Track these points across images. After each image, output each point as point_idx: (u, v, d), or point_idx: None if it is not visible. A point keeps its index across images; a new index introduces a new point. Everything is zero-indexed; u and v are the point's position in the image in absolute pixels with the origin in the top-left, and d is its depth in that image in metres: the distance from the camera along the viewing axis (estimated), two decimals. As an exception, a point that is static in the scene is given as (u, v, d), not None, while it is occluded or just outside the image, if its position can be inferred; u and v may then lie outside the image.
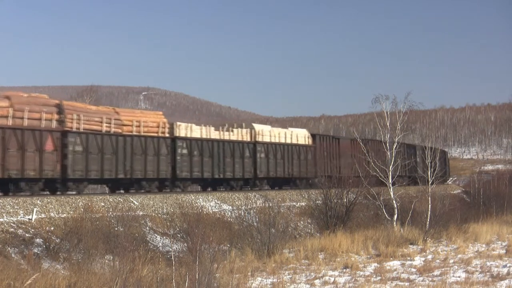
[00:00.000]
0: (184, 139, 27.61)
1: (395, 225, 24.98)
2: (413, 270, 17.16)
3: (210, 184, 29.99)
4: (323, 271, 16.77)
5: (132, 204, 21.79)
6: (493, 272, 16.44)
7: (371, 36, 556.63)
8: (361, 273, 16.66)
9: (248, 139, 31.45)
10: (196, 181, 29.97)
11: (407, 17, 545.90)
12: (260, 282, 14.78)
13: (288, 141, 34.08)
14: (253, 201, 26.85)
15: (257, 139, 31.84)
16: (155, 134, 26.25)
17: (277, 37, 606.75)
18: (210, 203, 24.89)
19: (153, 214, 21.58)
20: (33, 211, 17.98)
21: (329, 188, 25.10)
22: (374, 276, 16.17)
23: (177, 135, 27.33)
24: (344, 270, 17.19)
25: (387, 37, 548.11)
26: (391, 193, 26.01)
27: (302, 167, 34.28)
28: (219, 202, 25.40)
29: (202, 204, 24.30)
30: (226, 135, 30.21)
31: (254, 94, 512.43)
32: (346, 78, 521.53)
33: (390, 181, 26.17)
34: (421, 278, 15.77)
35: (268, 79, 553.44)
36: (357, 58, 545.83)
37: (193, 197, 24.85)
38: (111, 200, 21.45)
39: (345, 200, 25.15)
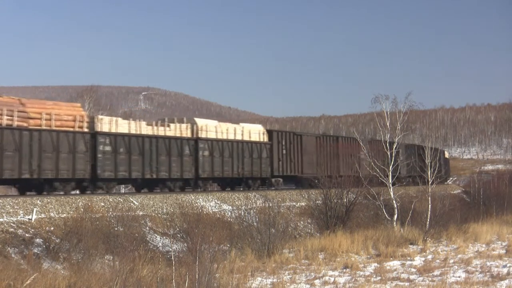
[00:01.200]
0: (107, 134, 24.75)
1: (395, 225, 24.99)
2: (413, 270, 17.16)
3: (143, 185, 27.27)
4: (323, 271, 16.78)
5: (132, 204, 21.80)
6: (493, 272, 16.44)
7: (371, 36, 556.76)
8: (361, 273, 16.66)
9: (189, 135, 28.29)
10: (124, 181, 27.88)
11: (407, 17, 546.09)
12: (260, 282, 14.77)
13: (239, 137, 30.92)
14: (253, 201, 26.87)
15: (199, 135, 28.64)
16: (71, 129, 23.44)
17: (277, 37, 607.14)
18: (210, 203, 24.90)
19: (153, 214, 21.59)
20: (33, 211, 17.99)
21: (329, 188, 25.09)
22: (374, 276, 16.17)
23: (99, 130, 24.52)
24: (344, 270, 17.19)
25: (387, 37, 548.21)
26: (391, 193, 26.02)
27: (255, 166, 31.21)
28: (219, 202, 25.41)
29: (202, 204, 24.31)
30: (161, 131, 27.14)
31: (254, 94, 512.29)
32: (346, 78, 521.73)
33: (390, 181, 26.18)
34: (421, 278, 15.77)
35: (268, 79, 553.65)
36: (357, 58, 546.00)
37: (193, 197, 24.86)
38: (111, 200, 21.47)
39: (345, 200, 25.15)
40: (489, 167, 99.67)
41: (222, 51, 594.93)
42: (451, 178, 63.97)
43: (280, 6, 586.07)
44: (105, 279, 11.72)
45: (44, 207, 18.96)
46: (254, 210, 24.69)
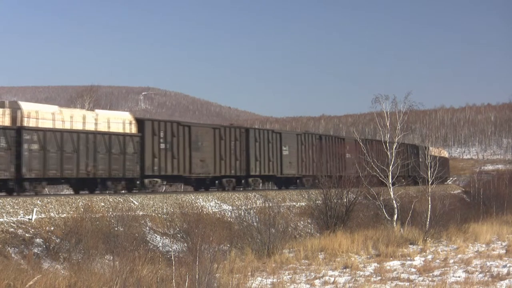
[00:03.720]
0: None
1: (395, 225, 24.99)
2: (413, 270, 17.16)
3: None
4: (323, 271, 16.77)
5: (132, 204, 21.80)
6: (493, 272, 16.45)
7: (371, 36, 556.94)
8: (361, 273, 16.66)
9: (7, 123, 21.58)
10: None
11: (407, 17, 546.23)
12: (260, 282, 14.77)
13: (91, 127, 24.16)
14: (253, 201, 26.87)
15: (24, 124, 21.98)
16: None
17: (277, 37, 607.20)
18: (210, 203, 24.91)
19: (153, 214, 21.60)
20: (33, 211, 17.99)
21: (328, 188, 25.09)
22: (374, 276, 16.17)
23: None
24: (344, 270, 17.19)
25: (387, 37, 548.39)
26: (391, 193, 26.02)
27: (116, 163, 24.36)
28: (219, 202, 25.42)
29: (202, 204, 24.32)
30: None
31: (254, 94, 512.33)
32: (346, 78, 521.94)
33: (391, 181, 26.18)
34: (421, 278, 15.77)
35: (268, 79, 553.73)
36: (357, 58, 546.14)
37: (193, 197, 24.87)
38: (111, 200, 21.47)
39: (345, 200, 25.15)
40: (489, 167, 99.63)
41: (222, 51, 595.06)
42: (451, 178, 63.99)
43: (280, 6, 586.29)
44: (105, 279, 11.72)
45: (44, 207, 18.97)
46: (254, 210, 24.71)
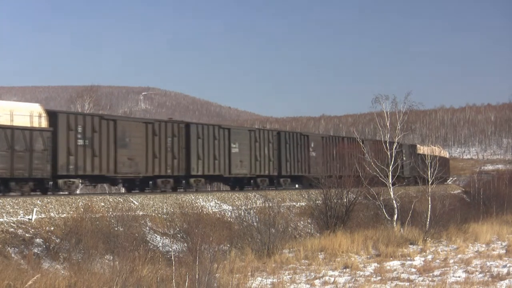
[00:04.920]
0: None
1: (395, 225, 25.00)
2: (413, 270, 17.16)
3: None
4: (323, 271, 16.78)
5: (132, 204, 21.81)
6: (493, 272, 16.45)
7: (371, 36, 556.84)
8: (361, 273, 16.67)
9: None
10: None
11: (407, 17, 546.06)
12: (260, 282, 14.78)
13: None
14: (253, 201, 26.87)
15: None
16: None
17: (277, 37, 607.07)
18: (210, 203, 24.90)
19: (153, 214, 21.60)
20: (33, 211, 17.99)
21: (329, 188, 25.10)
22: (374, 276, 16.17)
23: None
24: (344, 270, 17.19)
25: (387, 37, 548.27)
26: (391, 193, 26.03)
27: (20, 162, 21.34)
28: (219, 202, 25.41)
29: (202, 204, 24.32)
30: None
31: (254, 94, 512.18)
32: (346, 78, 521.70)
33: (391, 181, 26.18)
34: (421, 278, 15.78)
35: (268, 79, 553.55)
36: (357, 58, 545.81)
37: (193, 197, 24.87)
38: (111, 200, 21.47)
39: (345, 200, 25.15)
40: (489, 167, 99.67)
41: (222, 51, 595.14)
42: (451, 178, 63.98)
43: (280, 6, 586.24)
44: (105, 279, 11.72)
45: (44, 207, 18.97)
46: (254, 210, 24.71)
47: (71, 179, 23.31)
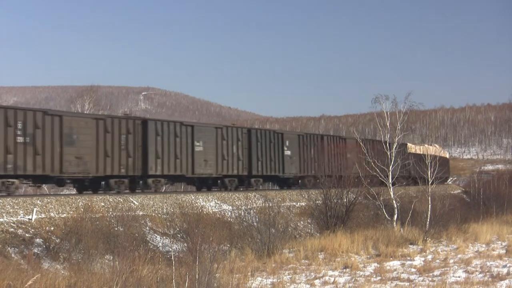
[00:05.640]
0: None
1: (395, 225, 25.00)
2: (413, 270, 17.16)
3: None
4: (323, 271, 16.78)
5: (132, 204, 21.80)
6: (493, 272, 16.45)
7: (371, 36, 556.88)
8: (361, 273, 16.67)
9: None
10: None
11: (407, 17, 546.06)
12: (260, 282, 14.78)
13: None
14: (253, 201, 26.86)
15: None
16: None
17: (277, 37, 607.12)
18: (210, 203, 24.90)
19: (153, 214, 21.60)
20: (33, 211, 17.99)
21: (328, 188, 25.10)
22: (374, 276, 16.17)
23: None
24: (344, 270, 17.19)
25: (387, 37, 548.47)
26: (391, 193, 26.03)
27: None
28: (219, 202, 25.41)
29: (202, 204, 24.32)
30: None
31: (254, 94, 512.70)
32: (346, 78, 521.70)
33: (391, 181, 26.18)
34: (421, 278, 15.78)
35: (268, 79, 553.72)
36: (357, 58, 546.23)
37: (193, 197, 24.87)
38: (111, 200, 21.47)
39: (345, 200, 25.15)
40: (489, 167, 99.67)
41: (222, 51, 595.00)
42: (451, 178, 64.00)
43: (280, 6, 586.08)
44: (105, 279, 11.72)
45: (44, 207, 18.97)
46: (254, 210, 24.71)
47: (10, 180, 21.52)
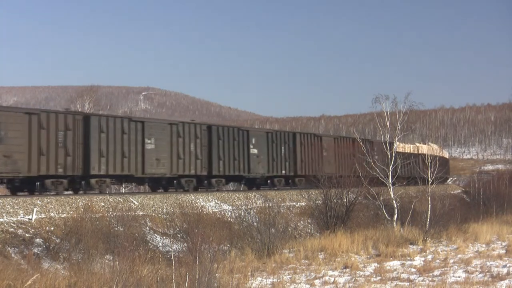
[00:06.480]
0: None
1: (395, 225, 25.00)
2: (413, 270, 17.16)
3: None
4: (323, 271, 16.78)
5: (132, 204, 21.80)
6: (493, 272, 16.45)
7: (371, 36, 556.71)
8: (361, 273, 16.66)
9: None
10: None
11: (407, 17, 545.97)
12: (260, 282, 14.78)
13: None
14: (253, 201, 26.85)
15: None
16: None
17: (277, 37, 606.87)
18: (210, 203, 24.89)
19: (153, 214, 21.59)
20: (33, 211, 17.98)
21: (329, 188, 25.09)
22: (374, 276, 16.17)
23: None
24: (344, 270, 17.19)
25: (388, 37, 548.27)
26: (391, 193, 26.02)
27: None
28: (219, 202, 25.40)
29: (202, 204, 24.31)
30: None
31: (254, 94, 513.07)
32: (346, 78, 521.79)
33: (390, 181, 26.17)
34: (421, 278, 15.78)
35: (268, 79, 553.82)
36: (357, 58, 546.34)
37: (193, 197, 24.86)
38: (111, 200, 21.47)
39: (345, 200, 25.14)
40: (489, 167, 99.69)
41: (222, 51, 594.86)
42: (451, 178, 63.99)
43: (280, 6, 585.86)
44: (105, 279, 11.72)
45: (44, 207, 18.97)
46: (254, 210, 24.71)
47: None
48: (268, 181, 32.95)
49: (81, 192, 24.00)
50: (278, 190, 31.68)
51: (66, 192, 23.26)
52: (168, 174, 26.81)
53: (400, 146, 43.33)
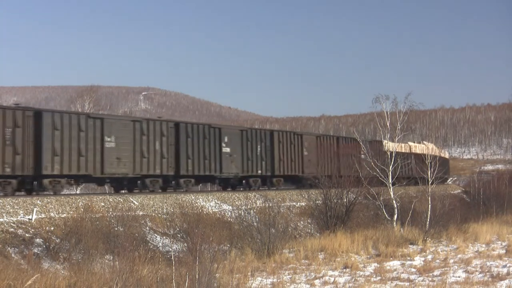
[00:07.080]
0: None
1: (395, 225, 25.00)
2: (413, 270, 17.16)
3: None
4: (323, 271, 16.77)
5: (132, 204, 21.81)
6: (493, 272, 16.45)
7: (371, 36, 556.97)
8: (361, 273, 16.66)
9: None
10: None
11: (407, 17, 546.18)
12: (260, 282, 14.77)
13: None
14: (253, 201, 26.86)
15: None
16: None
17: (277, 37, 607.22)
18: (210, 203, 24.90)
19: (153, 214, 21.60)
20: (33, 211, 17.99)
21: (328, 188, 25.09)
22: (374, 276, 16.17)
23: None
24: (344, 270, 17.19)
25: (387, 37, 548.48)
26: (391, 193, 26.02)
27: None
28: (219, 202, 25.41)
29: (202, 204, 24.32)
30: None
31: (254, 94, 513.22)
32: (346, 78, 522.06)
33: (391, 181, 26.17)
34: (421, 278, 15.77)
35: (268, 79, 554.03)
36: (357, 58, 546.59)
37: (193, 197, 24.86)
38: (111, 200, 21.47)
39: (345, 200, 25.14)
40: (489, 167, 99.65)
41: (222, 51, 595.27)
42: (451, 178, 63.99)
43: (280, 6, 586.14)
44: (105, 279, 11.72)
45: (44, 207, 18.97)
46: (254, 210, 24.72)
47: None
48: (243, 181, 31.79)
49: (34, 193, 22.66)
50: (278, 190, 31.67)
51: (17, 193, 21.95)
52: (130, 174, 25.55)
53: (389, 145, 42.10)
